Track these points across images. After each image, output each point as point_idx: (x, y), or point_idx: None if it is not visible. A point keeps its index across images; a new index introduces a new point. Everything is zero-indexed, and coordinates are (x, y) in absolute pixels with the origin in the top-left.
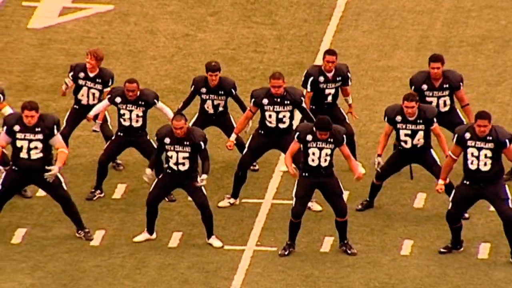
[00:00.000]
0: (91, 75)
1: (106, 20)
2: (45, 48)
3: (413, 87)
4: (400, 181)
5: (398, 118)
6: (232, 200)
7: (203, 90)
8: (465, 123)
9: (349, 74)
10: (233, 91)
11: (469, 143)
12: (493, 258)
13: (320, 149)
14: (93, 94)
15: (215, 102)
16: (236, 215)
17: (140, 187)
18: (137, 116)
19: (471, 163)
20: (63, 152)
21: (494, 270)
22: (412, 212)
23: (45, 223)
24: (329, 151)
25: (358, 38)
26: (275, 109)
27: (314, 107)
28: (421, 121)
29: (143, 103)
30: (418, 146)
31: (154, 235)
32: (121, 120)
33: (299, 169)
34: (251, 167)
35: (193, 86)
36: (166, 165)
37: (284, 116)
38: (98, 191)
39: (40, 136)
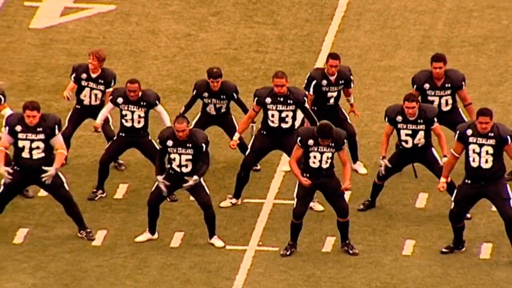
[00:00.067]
0: (94, 76)
1: (107, 20)
2: (47, 48)
3: (415, 86)
4: (402, 181)
5: (399, 118)
6: (234, 200)
7: (205, 94)
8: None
9: (351, 77)
10: (234, 95)
11: (471, 139)
12: (495, 258)
13: (322, 153)
14: (96, 95)
15: (217, 105)
16: (238, 215)
17: (142, 187)
18: (139, 116)
19: (473, 160)
20: (62, 154)
21: (496, 270)
22: (414, 212)
23: (47, 223)
24: (330, 155)
25: (360, 38)
26: (277, 108)
27: (316, 108)
28: (421, 121)
29: (144, 103)
30: (419, 145)
31: (156, 235)
32: (123, 121)
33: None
34: (253, 167)
35: (195, 91)
36: (168, 166)
37: (286, 116)
38: (100, 191)
39: (41, 136)
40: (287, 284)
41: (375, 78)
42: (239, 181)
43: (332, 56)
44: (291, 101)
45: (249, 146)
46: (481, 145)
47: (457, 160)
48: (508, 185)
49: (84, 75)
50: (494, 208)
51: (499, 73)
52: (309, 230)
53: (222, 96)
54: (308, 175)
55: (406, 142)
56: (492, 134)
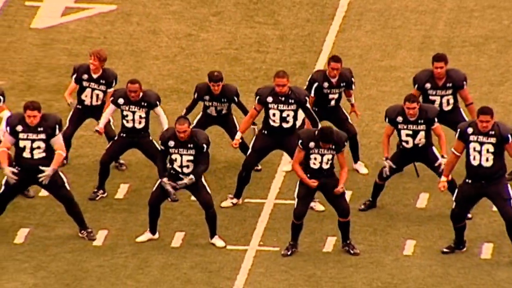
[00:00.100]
0: (95, 76)
1: (108, 20)
2: (48, 48)
3: (416, 86)
4: (403, 181)
5: (399, 118)
6: (235, 200)
7: (206, 97)
8: None
9: (353, 79)
10: (235, 98)
11: (472, 137)
12: (496, 258)
13: (322, 155)
14: (97, 95)
15: (218, 108)
16: (239, 215)
17: (143, 187)
18: (140, 117)
19: (473, 159)
20: (60, 154)
21: (497, 270)
22: (415, 212)
23: (48, 223)
24: (330, 156)
25: (361, 38)
26: (279, 108)
27: (317, 109)
28: (422, 121)
29: (145, 104)
30: (420, 145)
31: (156, 235)
32: (124, 121)
33: None
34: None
35: (196, 94)
36: (169, 167)
37: (288, 115)
38: (101, 191)
39: (42, 136)
40: (288, 284)
41: (376, 78)
42: (240, 181)
43: (334, 59)
44: (293, 101)
45: (250, 146)
46: (481, 143)
47: (458, 159)
48: (509, 185)
49: (85, 76)
50: (495, 208)
51: (500, 73)
52: (310, 230)
53: (223, 100)
54: (308, 175)
55: (407, 142)
56: (493, 133)
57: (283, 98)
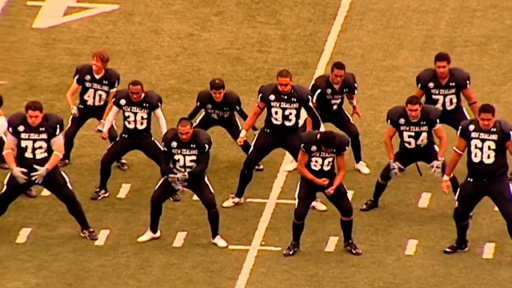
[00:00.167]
0: (97, 77)
1: (110, 19)
2: (50, 48)
3: (419, 85)
4: (405, 181)
5: (402, 120)
6: (236, 199)
7: (209, 106)
8: None
9: (355, 85)
10: (237, 107)
11: (473, 134)
12: (498, 258)
13: (323, 158)
14: (100, 95)
15: (220, 114)
16: (240, 215)
17: (145, 187)
18: (142, 118)
19: (475, 156)
20: (56, 155)
21: (499, 270)
22: (417, 212)
23: (50, 223)
24: (331, 159)
25: (363, 37)
26: (281, 106)
27: (319, 111)
28: (424, 123)
29: (147, 105)
30: (422, 146)
31: (158, 233)
32: (126, 122)
33: None
34: (256, 167)
35: (198, 102)
36: (171, 167)
37: (290, 114)
38: (103, 191)
39: (44, 136)
40: (289, 284)
41: (378, 78)
42: (242, 179)
43: (338, 66)
44: (295, 99)
45: (252, 144)
46: (483, 140)
47: (460, 158)
48: (510, 185)
49: (88, 77)
50: (496, 208)
51: (502, 72)
52: (312, 230)
53: (225, 108)
54: None
55: (409, 143)
56: (495, 130)
57: (285, 97)
